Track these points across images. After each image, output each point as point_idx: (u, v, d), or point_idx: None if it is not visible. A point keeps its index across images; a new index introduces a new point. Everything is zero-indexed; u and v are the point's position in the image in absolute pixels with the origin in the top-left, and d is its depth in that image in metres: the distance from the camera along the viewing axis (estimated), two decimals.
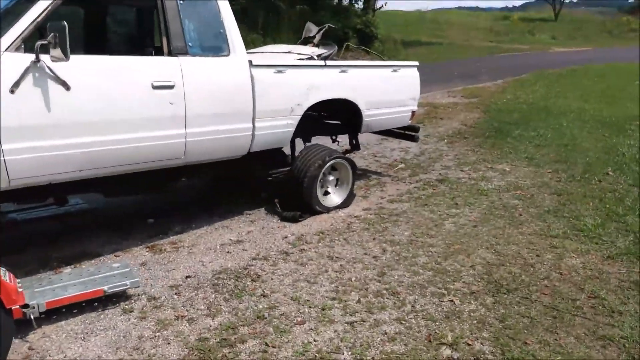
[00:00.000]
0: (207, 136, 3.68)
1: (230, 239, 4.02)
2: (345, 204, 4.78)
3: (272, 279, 3.40)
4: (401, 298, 3.17)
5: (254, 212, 4.61)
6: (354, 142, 5.45)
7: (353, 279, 3.41)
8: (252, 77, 3.88)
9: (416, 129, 5.74)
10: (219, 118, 3.73)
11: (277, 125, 4.15)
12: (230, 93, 3.79)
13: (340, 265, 3.61)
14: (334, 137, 5.46)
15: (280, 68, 4.14)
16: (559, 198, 5.02)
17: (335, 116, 5.24)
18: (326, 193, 4.75)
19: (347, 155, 5.21)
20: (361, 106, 4.80)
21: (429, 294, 3.23)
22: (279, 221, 4.41)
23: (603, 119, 8.94)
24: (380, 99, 5.02)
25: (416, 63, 5.47)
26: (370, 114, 4.93)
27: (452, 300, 3.15)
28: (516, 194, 5.14)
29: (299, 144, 4.84)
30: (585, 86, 13.07)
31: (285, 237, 4.07)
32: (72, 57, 2.92)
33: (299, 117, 4.29)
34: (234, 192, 5.11)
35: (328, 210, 4.63)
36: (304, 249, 3.84)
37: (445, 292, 3.25)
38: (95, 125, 3.14)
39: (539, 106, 10.13)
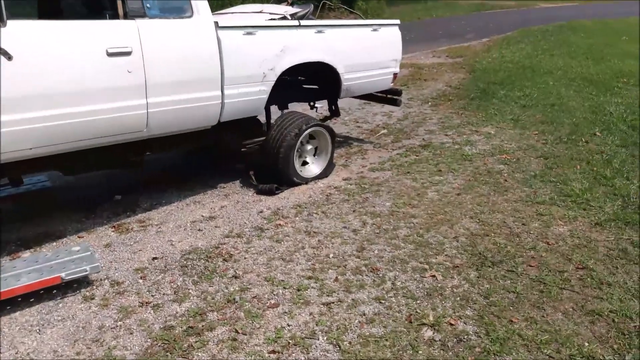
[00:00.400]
0: (171, 106, 3.41)
1: (202, 215, 3.80)
2: (324, 174, 4.56)
3: (245, 258, 3.20)
4: (381, 275, 3.00)
5: (228, 185, 4.38)
6: (334, 108, 5.19)
7: (331, 255, 3.23)
8: (218, 40, 3.59)
9: (398, 93, 5.49)
10: (183, 86, 3.45)
11: (248, 92, 3.88)
12: (194, 58, 3.50)
13: (318, 240, 3.42)
14: (312, 104, 5.18)
15: (249, 29, 3.83)
16: (546, 161, 4.85)
17: (312, 81, 4.96)
18: (304, 163, 4.52)
19: (326, 122, 4.97)
20: (340, 69, 4.52)
21: (410, 269, 3.07)
22: (255, 194, 4.20)
23: (590, 76, 8.72)
24: (360, 61, 4.74)
25: (397, 21, 5.17)
26: (349, 78, 4.65)
27: (434, 276, 2.99)
28: (501, 158, 4.96)
29: (275, 111, 4.57)
30: (572, 43, 12.77)
31: (261, 212, 3.86)
32: (12, 22, 2.64)
33: (272, 83, 4.02)
34: (206, 165, 4.87)
35: (306, 181, 4.42)
36: (280, 224, 3.64)
37: (427, 266, 3.09)
38: (45, 99, 2.87)
39: (525, 65, 9.86)
